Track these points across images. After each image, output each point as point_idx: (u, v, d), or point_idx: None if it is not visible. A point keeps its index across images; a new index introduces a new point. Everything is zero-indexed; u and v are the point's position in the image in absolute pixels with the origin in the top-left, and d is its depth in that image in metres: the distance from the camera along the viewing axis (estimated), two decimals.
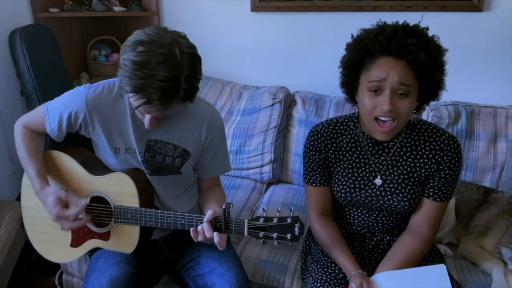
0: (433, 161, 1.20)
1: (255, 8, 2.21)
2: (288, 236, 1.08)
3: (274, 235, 1.09)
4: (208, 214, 1.13)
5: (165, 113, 1.10)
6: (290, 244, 1.09)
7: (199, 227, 1.14)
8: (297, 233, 1.08)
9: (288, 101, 2.06)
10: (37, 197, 1.25)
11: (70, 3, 2.27)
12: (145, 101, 1.03)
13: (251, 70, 2.35)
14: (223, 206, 1.11)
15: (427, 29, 1.10)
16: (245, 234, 1.11)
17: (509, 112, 1.83)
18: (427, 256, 1.31)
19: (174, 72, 1.01)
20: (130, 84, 1.01)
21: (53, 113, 1.27)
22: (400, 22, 1.11)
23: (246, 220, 1.10)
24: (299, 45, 2.23)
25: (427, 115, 1.88)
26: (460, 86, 1.89)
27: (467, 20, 1.94)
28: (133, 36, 1.05)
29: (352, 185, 1.26)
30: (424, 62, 1.05)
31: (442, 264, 1.19)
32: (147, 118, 1.11)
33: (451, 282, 1.17)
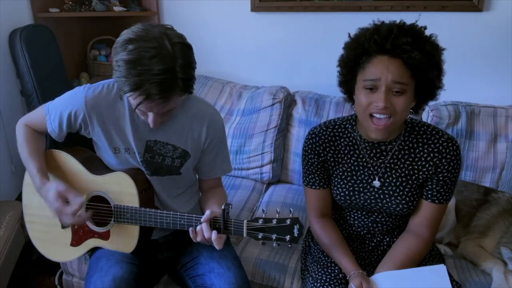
0: (431, 163, 1.19)
1: (255, 8, 2.20)
2: (287, 237, 1.07)
3: (273, 236, 1.08)
4: (206, 214, 1.13)
5: (166, 107, 1.08)
6: (289, 245, 1.09)
7: (198, 228, 1.14)
8: (296, 235, 1.07)
9: (288, 101, 2.06)
10: (39, 193, 1.25)
11: (70, 3, 2.27)
12: (144, 98, 1.02)
13: (251, 70, 2.35)
14: (222, 207, 1.11)
15: (425, 28, 1.10)
16: (244, 235, 1.11)
17: (509, 112, 1.83)
18: (427, 256, 1.31)
19: (168, 63, 1.01)
20: (128, 83, 1.01)
21: (53, 113, 1.27)
22: (398, 21, 1.11)
23: (245, 221, 1.10)
24: (299, 45, 2.23)
25: (427, 115, 1.88)
26: (460, 86, 1.90)
27: (467, 20, 1.94)
28: (121, 36, 1.05)
29: (351, 188, 1.26)
30: (418, 61, 1.05)
31: (442, 264, 1.18)
32: (150, 117, 1.11)
33: (451, 282, 1.17)
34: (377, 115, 1.10)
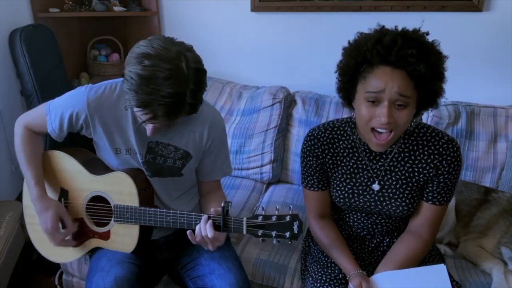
0: (432, 165, 1.18)
1: (255, 8, 2.20)
2: (287, 234, 1.07)
3: (273, 233, 1.08)
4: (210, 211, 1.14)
5: (169, 124, 1.11)
6: (289, 242, 1.09)
7: (197, 227, 1.14)
8: (296, 231, 1.07)
9: (288, 101, 2.06)
10: (33, 203, 1.25)
11: (70, 3, 2.27)
12: (150, 117, 1.04)
13: (251, 70, 2.35)
14: (222, 204, 1.11)
15: (427, 33, 1.07)
16: (244, 232, 1.11)
17: (509, 112, 1.83)
18: (427, 256, 1.31)
19: (180, 87, 1.01)
20: (137, 98, 1.02)
21: (54, 113, 1.27)
22: (399, 26, 1.07)
23: (244, 218, 1.10)
24: (299, 45, 2.23)
25: (427, 115, 1.88)
26: (460, 86, 1.89)
27: (467, 20, 1.94)
28: (140, 47, 1.04)
29: (351, 191, 1.26)
30: (424, 74, 1.01)
31: (442, 264, 1.18)
32: (149, 127, 1.12)
33: (451, 282, 1.17)
34: (379, 129, 1.08)
